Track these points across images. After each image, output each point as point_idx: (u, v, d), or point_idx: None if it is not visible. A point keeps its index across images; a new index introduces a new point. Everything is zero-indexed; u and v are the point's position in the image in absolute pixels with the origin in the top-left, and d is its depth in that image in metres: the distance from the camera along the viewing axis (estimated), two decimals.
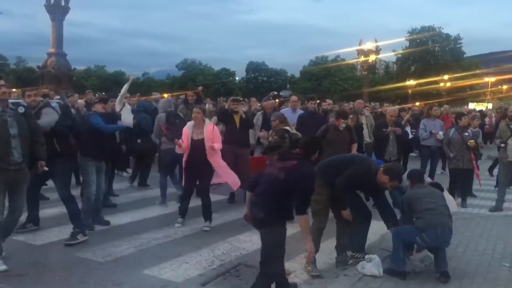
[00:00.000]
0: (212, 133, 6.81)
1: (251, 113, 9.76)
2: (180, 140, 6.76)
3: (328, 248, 5.77)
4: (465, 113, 10.34)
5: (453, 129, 8.83)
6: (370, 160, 5.81)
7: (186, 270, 5.08)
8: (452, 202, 7.57)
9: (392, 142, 8.35)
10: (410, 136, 11.61)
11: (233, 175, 7.19)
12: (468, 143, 8.31)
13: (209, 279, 4.91)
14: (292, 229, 6.77)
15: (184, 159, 6.90)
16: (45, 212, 6.98)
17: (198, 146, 6.71)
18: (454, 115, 10.81)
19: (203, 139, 6.73)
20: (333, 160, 5.53)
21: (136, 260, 5.35)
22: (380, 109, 13.86)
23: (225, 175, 7.03)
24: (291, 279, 4.90)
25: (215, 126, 7.14)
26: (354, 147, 7.50)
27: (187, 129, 6.83)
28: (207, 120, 6.99)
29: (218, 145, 6.79)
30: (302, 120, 8.81)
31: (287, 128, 6.35)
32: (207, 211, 6.90)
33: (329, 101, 12.07)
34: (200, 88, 10.41)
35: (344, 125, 7.32)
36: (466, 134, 8.50)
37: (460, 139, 8.47)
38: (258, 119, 9.24)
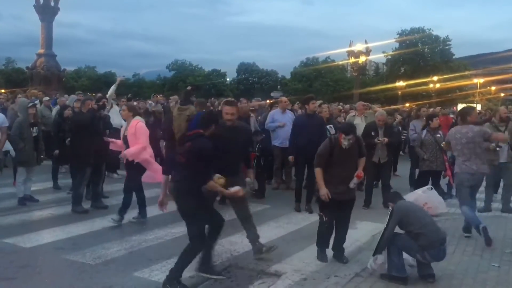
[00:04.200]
0: (133, 129, 6.77)
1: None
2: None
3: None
4: (437, 114, 10.34)
5: (424, 131, 8.80)
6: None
7: None
8: (442, 203, 7.65)
9: (381, 145, 8.38)
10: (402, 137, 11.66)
11: (159, 169, 6.82)
12: (442, 145, 8.36)
13: (200, 280, 4.90)
14: (282, 230, 6.83)
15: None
16: (35, 214, 6.94)
17: (126, 142, 6.87)
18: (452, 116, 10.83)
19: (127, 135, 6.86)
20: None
21: (127, 262, 5.32)
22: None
23: (155, 172, 6.87)
24: (282, 280, 4.92)
25: (139, 122, 6.93)
26: (362, 162, 5.80)
27: (123, 126, 6.97)
28: (137, 117, 6.96)
29: (127, 153, 6.74)
30: (298, 122, 8.54)
31: None
32: (123, 205, 6.96)
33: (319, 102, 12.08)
34: (189, 88, 10.42)
35: (346, 142, 5.60)
36: (438, 135, 8.55)
37: (433, 141, 8.51)
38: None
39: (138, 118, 7.01)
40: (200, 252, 4.81)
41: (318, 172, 5.58)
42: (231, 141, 5.81)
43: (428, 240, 4.76)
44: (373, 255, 5.02)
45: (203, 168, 4.65)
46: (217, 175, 5.72)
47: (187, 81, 60.01)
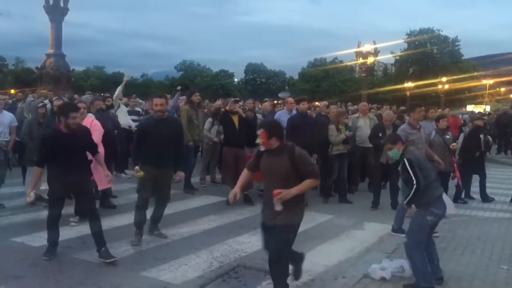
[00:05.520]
0: (89, 125, 6.48)
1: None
2: None
3: (326, 250, 5.78)
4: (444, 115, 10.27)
5: (433, 132, 8.71)
6: None
7: (185, 272, 5.08)
8: (450, 205, 7.62)
9: None
10: None
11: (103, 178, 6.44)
12: (451, 146, 8.32)
13: (208, 280, 4.91)
14: None
15: None
16: (44, 213, 6.95)
17: None
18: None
19: None
20: None
21: (135, 262, 5.34)
22: (379, 112, 13.86)
23: (98, 181, 6.77)
24: (289, 280, 4.91)
25: (94, 120, 7.04)
26: (307, 184, 4.13)
27: None
28: (90, 114, 7.08)
29: None
30: (293, 122, 8.51)
31: None
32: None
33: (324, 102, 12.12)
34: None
35: (258, 140, 4.26)
36: (448, 137, 8.52)
37: (442, 142, 8.45)
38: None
39: (90, 115, 7.16)
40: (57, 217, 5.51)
41: (242, 172, 4.63)
42: (159, 134, 5.93)
43: (431, 196, 4.70)
44: (405, 203, 4.84)
45: (46, 156, 5.32)
46: (137, 167, 5.91)
47: (195, 82, 60.21)
